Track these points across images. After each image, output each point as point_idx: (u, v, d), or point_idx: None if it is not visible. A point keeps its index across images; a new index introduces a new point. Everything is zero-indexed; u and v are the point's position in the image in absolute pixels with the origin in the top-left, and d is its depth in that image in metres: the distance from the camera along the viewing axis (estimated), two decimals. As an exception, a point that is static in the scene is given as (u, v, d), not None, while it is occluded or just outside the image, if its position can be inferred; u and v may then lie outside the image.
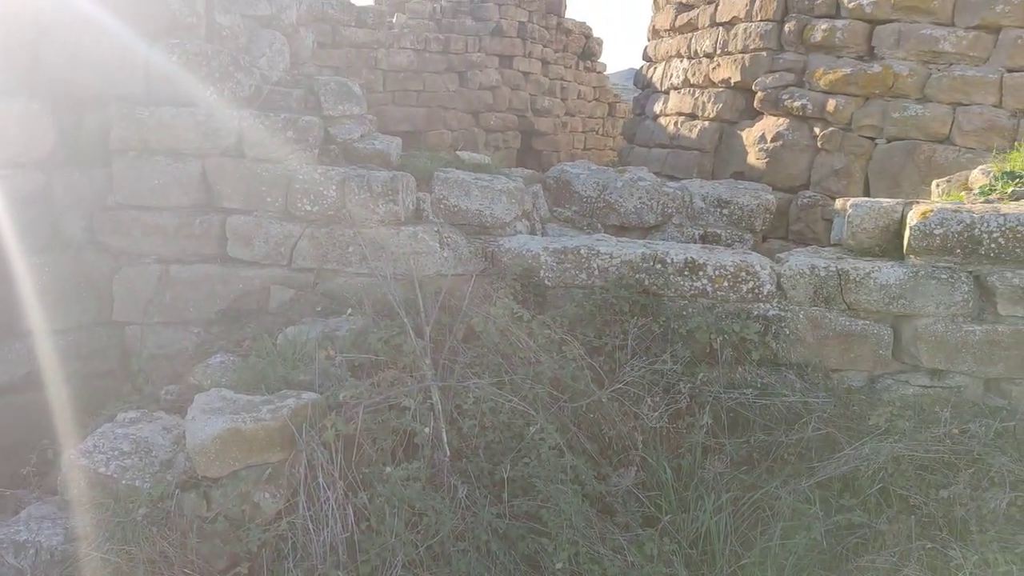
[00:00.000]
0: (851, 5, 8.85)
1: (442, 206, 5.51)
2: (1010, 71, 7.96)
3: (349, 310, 4.94)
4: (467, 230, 5.49)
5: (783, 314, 4.85)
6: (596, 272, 5.02)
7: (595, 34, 19.89)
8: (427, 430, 3.85)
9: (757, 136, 9.64)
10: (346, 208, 5.28)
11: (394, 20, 16.05)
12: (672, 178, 9.66)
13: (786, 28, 9.48)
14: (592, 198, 6.40)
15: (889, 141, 8.58)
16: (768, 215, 6.64)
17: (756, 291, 4.89)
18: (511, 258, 5.19)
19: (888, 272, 4.74)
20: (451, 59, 16.23)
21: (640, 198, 6.37)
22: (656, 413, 4.32)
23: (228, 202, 5.40)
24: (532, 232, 5.83)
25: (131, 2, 5.29)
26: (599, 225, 6.36)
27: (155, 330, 5.47)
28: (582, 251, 5.07)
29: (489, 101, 16.86)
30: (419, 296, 4.61)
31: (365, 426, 3.87)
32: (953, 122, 8.23)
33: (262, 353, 4.45)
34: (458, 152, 6.56)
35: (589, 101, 19.99)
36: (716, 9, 10.77)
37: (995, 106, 8.01)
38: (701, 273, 4.93)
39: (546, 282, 5.10)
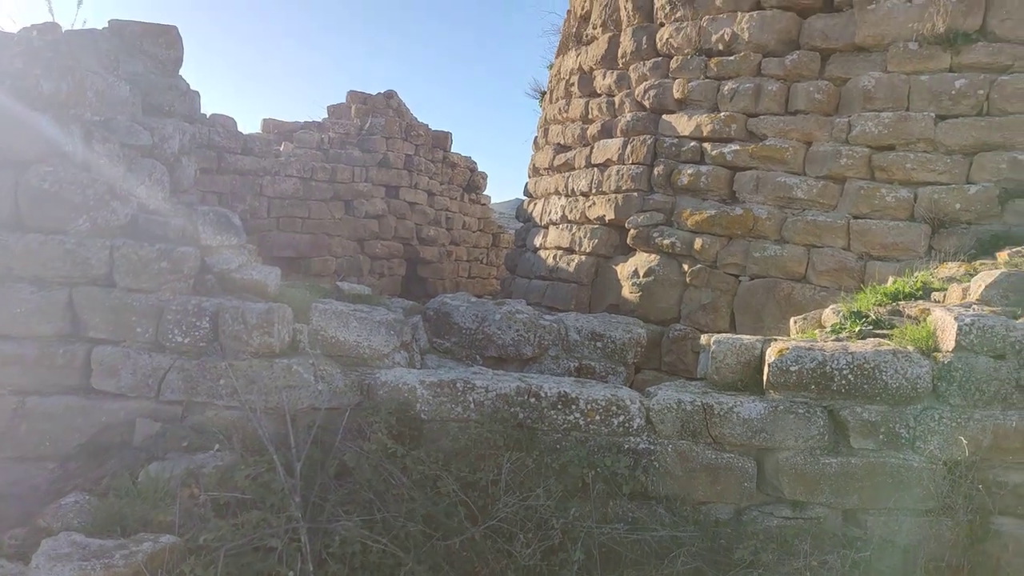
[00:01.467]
0: (714, 153, 9.54)
1: (319, 337, 5.48)
2: (855, 217, 8.64)
3: (217, 445, 4.78)
4: (344, 362, 5.45)
5: (653, 447, 4.98)
6: (472, 405, 5.07)
7: (480, 168, 20.67)
8: (291, 574, 3.72)
9: (631, 271, 10.07)
10: (219, 340, 5.20)
11: (281, 149, 16.23)
12: (552, 309, 9.95)
13: (655, 171, 10.09)
14: (472, 330, 6.51)
15: (752, 278, 9.11)
16: (639, 348, 6.88)
17: (627, 425, 5.02)
18: (387, 391, 5.17)
19: (750, 407, 4.97)
20: (337, 188, 16.44)
21: (518, 330, 6.52)
22: (529, 549, 4.31)
23: (95, 332, 5.23)
24: (411, 363, 5.85)
25: (2, 128, 5.22)
26: (478, 356, 6.45)
27: (6, 466, 5.13)
28: (458, 384, 5.12)
29: (375, 229, 17.06)
30: (291, 431, 4.52)
31: (227, 571, 3.72)
32: (808, 262, 8.82)
33: (121, 492, 4.25)
34: (339, 283, 6.59)
35: (474, 231, 20.53)
36: (591, 152, 11.39)
37: (844, 249, 8.65)
38: (574, 407, 5.04)
39: (422, 416, 5.09)
